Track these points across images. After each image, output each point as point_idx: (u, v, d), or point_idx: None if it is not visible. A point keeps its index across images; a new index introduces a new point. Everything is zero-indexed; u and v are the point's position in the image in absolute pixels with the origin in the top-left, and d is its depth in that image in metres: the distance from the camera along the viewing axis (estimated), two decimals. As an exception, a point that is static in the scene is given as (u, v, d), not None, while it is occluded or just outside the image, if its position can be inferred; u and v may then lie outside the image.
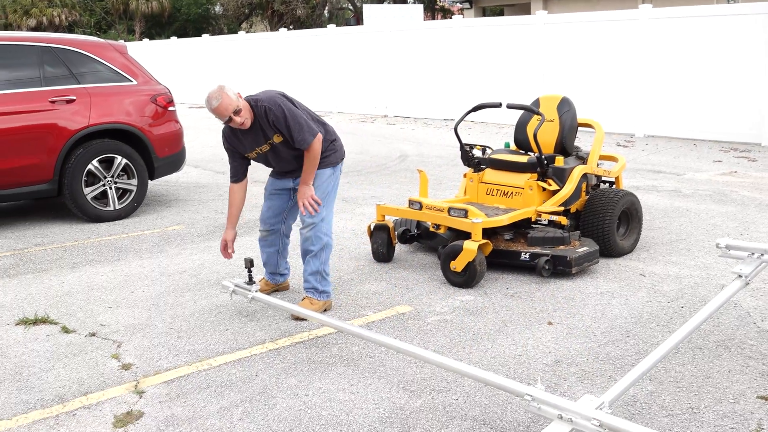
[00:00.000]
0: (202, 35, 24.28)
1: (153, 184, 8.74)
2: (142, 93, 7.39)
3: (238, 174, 4.48)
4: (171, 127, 7.60)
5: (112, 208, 7.09)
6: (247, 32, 29.82)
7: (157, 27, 39.56)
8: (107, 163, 7.07)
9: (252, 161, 4.50)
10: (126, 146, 7.17)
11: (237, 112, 4.10)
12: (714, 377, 3.56)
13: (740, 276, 3.75)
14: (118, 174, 7.13)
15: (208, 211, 7.46)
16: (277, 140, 4.28)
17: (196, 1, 39.22)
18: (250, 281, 4.41)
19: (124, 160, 7.13)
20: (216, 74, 22.48)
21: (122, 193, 7.21)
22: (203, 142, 13.39)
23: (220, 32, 37.59)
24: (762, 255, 3.79)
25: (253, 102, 4.19)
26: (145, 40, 27.34)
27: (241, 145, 4.36)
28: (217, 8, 41.67)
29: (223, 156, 11.40)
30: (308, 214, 4.38)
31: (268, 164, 4.50)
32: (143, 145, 7.30)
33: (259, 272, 5.08)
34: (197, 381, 3.61)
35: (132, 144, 7.26)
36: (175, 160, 7.69)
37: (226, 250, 4.55)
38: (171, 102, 7.62)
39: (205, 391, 3.50)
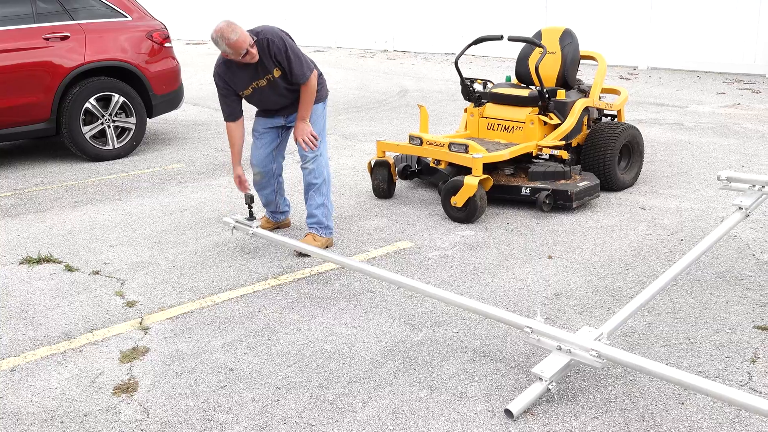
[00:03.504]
0: (197, -31, 23.66)
1: (152, 122, 8.67)
2: (138, 29, 7.26)
3: (235, 112, 4.42)
4: (168, 63, 7.49)
5: (111, 147, 7.05)
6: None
7: (151, -40, 38.58)
8: (105, 102, 6.99)
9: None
10: (123, 84, 7.08)
11: (252, 45, 4.06)
12: (711, 308, 3.60)
13: (740, 208, 3.76)
14: (116, 112, 7.07)
15: (208, 149, 7.43)
16: (276, 74, 4.22)
17: (189, -68, 38.15)
18: (251, 217, 4.42)
19: (122, 98, 7.05)
20: (213, 9, 22.03)
21: (121, 132, 7.16)
22: (201, 79, 13.22)
23: (216, -35, 36.64)
24: (763, 187, 3.78)
25: (254, 35, 4.13)
26: (139, -25, 26.67)
27: (238, 81, 4.29)
28: (212, -60, 40.55)
29: (222, 93, 11.28)
30: (309, 150, 4.36)
31: (259, 103, 4.45)
32: (140, 83, 7.21)
33: (260, 210, 5.09)
34: (201, 317, 3.66)
35: (129, 82, 7.16)
36: (173, 98, 7.61)
37: (243, 184, 4.51)
38: (167, 38, 7.49)
39: (209, 327, 3.55)
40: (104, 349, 3.35)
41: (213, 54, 18.23)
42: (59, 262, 4.44)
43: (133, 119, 7.17)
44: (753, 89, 10.07)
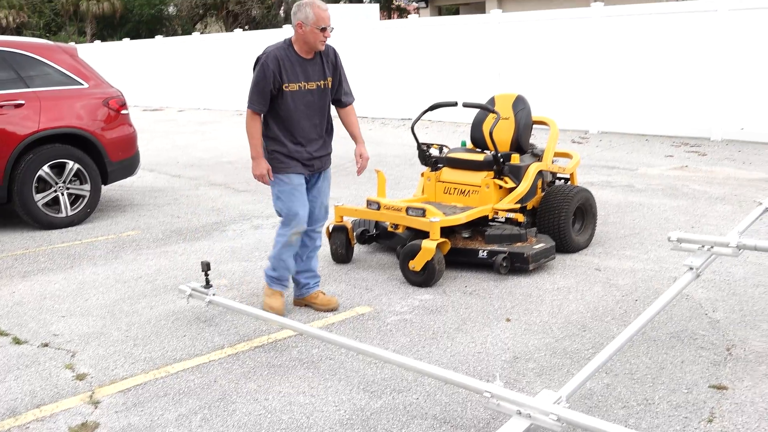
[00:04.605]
0: (156, 36, 23.93)
1: (107, 189, 8.58)
2: (94, 96, 7.25)
3: (267, 105, 4.20)
4: (124, 130, 7.47)
5: (64, 215, 6.94)
6: (201, 33, 29.47)
7: (109, 28, 38.87)
8: (59, 169, 6.91)
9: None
10: (78, 151, 7.02)
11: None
12: (668, 368, 3.63)
13: (691, 268, 3.83)
14: (71, 179, 6.98)
15: (164, 216, 7.36)
16: (328, 83, 4.31)
17: (148, 1, 38.60)
18: (207, 285, 4.36)
19: (77, 165, 6.98)
20: (170, 76, 22.18)
21: (75, 199, 7.06)
22: (158, 145, 13.20)
23: (174, 33, 37.08)
24: (712, 247, 3.88)
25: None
26: (97, 42, 26.82)
27: (291, 72, 4.15)
28: (171, 9, 41.08)
29: (179, 160, 11.27)
30: (324, 214, 4.51)
31: (294, 111, 4.23)
32: (96, 150, 7.16)
33: (219, 277, 5.02)
34: (154, 389, 3.56)
35: (84, 148, 7.11)
36: (129, 164, 7.56)
37: (268, 176, 4.34)
38: (124, 105, 7.49)
39: (162, 399, 3.45)
40: (52, 425, 3.23)
41: (171, 120, 18.26)
42: (6, 335, 4.29)
43: (87, 186, 7.08)
44: (699, 152, 10.42)
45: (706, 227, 6.26)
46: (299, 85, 4.21)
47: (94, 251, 6.09)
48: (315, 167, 4.41)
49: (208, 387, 3.56)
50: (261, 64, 4.16)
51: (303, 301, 4.64)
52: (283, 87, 4.17)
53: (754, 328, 4.09)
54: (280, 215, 4.41)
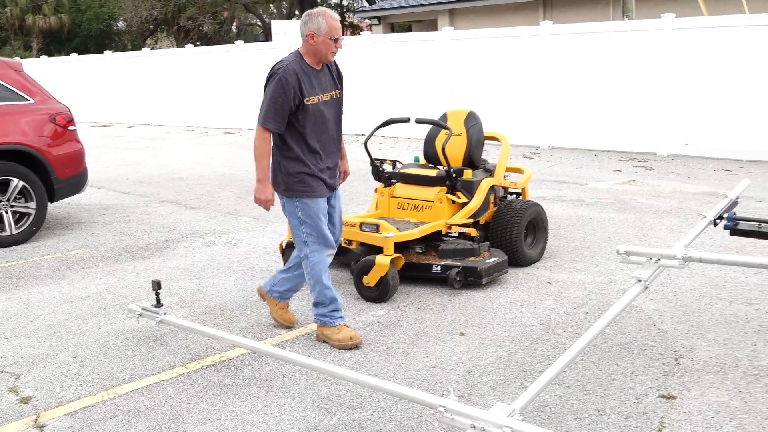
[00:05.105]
0: (105, 52, 23.56)
1: (54, 207, 8.38)
2: (40, 112, 7.09)
3: (283, 124, 3.99)
4: (71, 147, 7.31)
5: (8, 233, 6.74)
6: (152, 49, 29.13)
7: (57, 43, 38.15)
8: (3, 186, 6.72)
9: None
10: (23, 168, 6.84)
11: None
12: (618, 379, 3.69)
13: (639, 280, 3.91)
14: (15, 197, 6.80)
15: (113, 233, 7.21)
16: (339, 95, 4.20)
17: (97, 16, 38.03)
18: (158, 304, 4.28)
19: (21, 183, 6.80)
20: (120, 92, 21.84)
21: (20, 217, 6.87)
22: (107, 161, 12.96)
23: (124, 49, 36.57)
24: (659, 260, 3.96)
25: None
26: (44, 57, 26.29)
27: (308, 86, 4.01)
28: (120, 24, 40.51)
29: (129, 177, 11.08)
30: (342, 229, 4.43)
31: (313, 124, 4.06)
32: (42, 167, 6.99)
33: (174, 293, 4.92)
34: (103, 411, 3.46)
35: (30, 165, 6.93)
36: (76, 181, 7.40)
37: (271, 203, 4.16)
38: (71, 121, 7.34)
39: (111, 421, 3.36)
40: (-6, 451, 3.12)
41: (120, 136, 17.97)
42: (-54, 358, 4.14)
43: (33, 204, 6.90)
44: (646, 166, 10.68)
45: (653, 240, 6.41)
46: (318, 98, 4.05)
47: (39, 270, 5.93)
48: (334, 186, 4.29)
49: (159, 408, 3.48)
50: (279, 78, 3.93)
51: (264, 297, 4.55)
52: (304, 101, 3.98)
53: (701, 338, 4.19)
54: (305, 243, 4.15)
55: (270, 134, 4.02)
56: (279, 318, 4.51)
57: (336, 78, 4.23)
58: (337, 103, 4.23)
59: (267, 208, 4.17)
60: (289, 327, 4.50)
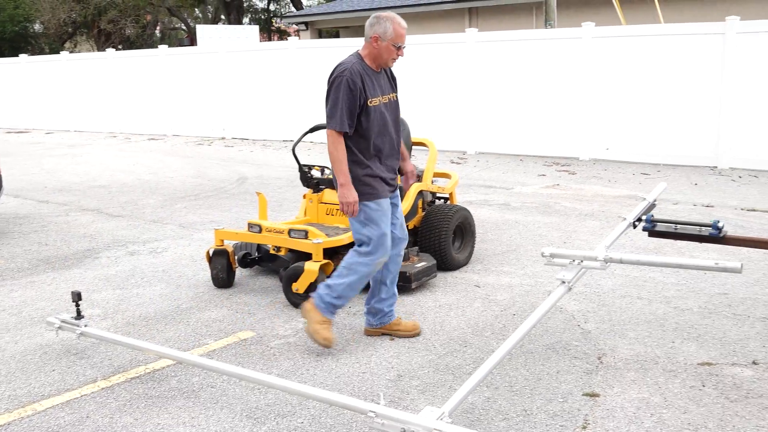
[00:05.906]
0: (20, 55, 22.68)
1: (-34, 217, 8.01)
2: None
3: (354, 125, 3.99)
4: (-15, 154, 7.00)
5: None
6: (71, 52, 28.20)
7: (-32, 46, 36.46)
8: None
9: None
10: (-69, 176, 6.52)
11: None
12: (544, 379, 3.76)
13: (564, 282, 4.00)
14: (-77, 207, 6.47)
15: (31, 244, 6.94)
16: (395, 97, 4.20)
17: (11, 18, 36.53)
18: (79, 315, 4.13)
19: (-70, 192, 6.48)
20: (37, 97, 21.06)
21: (-72, 228, 6.54)
22: (24, 169, 12.47)
23: (41, 52, 35.25)
24: (582, 261, 4.06)
25: None
26: (-46, 61, 25.10)
27: (370, 87, 4.02)
28: (37, 26, 39.04)
29: (47, 185, 10.69)
30: (406, 233, 4.34)
31: (376, 125, 4.07)
32: (-48, 175, 6.68)
33: (96, 304, 4.76)
34: (20, 429, 3.32)
35: (-61, 173, 6.61)
36: (-10, 190, 7.10)
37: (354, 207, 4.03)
38: (-16, 127, 7.03)
39: (28, 439, 3.22)
40: None
41: (38, 143, 17.33)
42: None
43: (-57, 214, 6.58)
44: (569, 171, 10.97)
45: (576, 242, 6.58)
46: (379, 99, 4.07)
47: (-50, 284, 5.65)
48: (395, 186, 4.28)
49: (80, 423, 3.36)
50: (345, 80, 3.93)
51: (381, 330, 4.40)
52: (368, 102, 4.00)
53: (622, 336, 4.32)
54: (362, 244, 4.11)
55: (343, 138, 3.99)
56: (408, 331, 4.38)
57: (391, 80, 4.26)
58: (395, 106, 4.25)
59: (354, 213, 4.06)
60: (419, 334, 4.40)
